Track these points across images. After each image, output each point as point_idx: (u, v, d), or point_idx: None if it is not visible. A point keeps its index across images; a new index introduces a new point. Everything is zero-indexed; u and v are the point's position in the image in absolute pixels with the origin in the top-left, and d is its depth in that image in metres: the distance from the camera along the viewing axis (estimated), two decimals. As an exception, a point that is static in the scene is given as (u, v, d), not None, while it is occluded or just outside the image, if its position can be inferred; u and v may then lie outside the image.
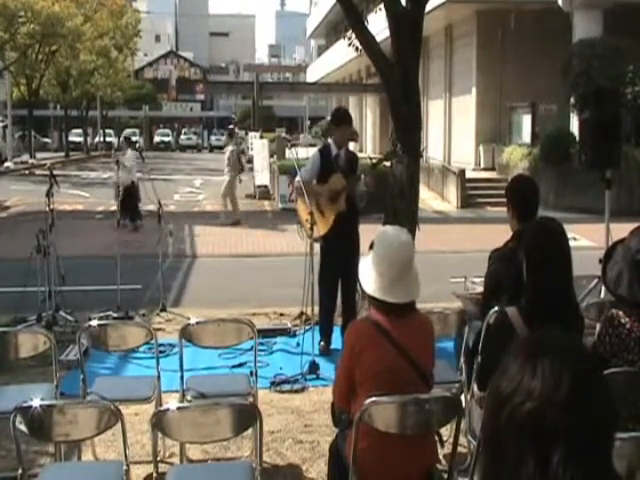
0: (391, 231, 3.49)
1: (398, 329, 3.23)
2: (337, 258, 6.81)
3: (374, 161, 7.24)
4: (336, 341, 6.93)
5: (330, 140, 7.20)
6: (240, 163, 17.59)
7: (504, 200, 4.59)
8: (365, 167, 7.11)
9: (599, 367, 1.44)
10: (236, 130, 20.89)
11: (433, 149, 27.84)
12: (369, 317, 3.33)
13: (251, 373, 4.81)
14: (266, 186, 22.51)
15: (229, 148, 17.73)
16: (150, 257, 10.10)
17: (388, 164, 7.51)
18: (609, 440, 1.30)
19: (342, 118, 7.16)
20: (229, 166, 17.04)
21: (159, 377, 4.63)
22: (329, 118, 7.93)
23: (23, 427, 3.25)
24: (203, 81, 69.93)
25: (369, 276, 3.31)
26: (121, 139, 22.34)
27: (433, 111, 30.66)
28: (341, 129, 7.02)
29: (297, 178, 6.96)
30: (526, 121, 23.18)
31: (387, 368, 3.19)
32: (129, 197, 14.87)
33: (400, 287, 3.25)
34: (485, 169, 24.92)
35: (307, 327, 7.15)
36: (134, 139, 52.74)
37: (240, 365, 6.20)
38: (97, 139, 54.18)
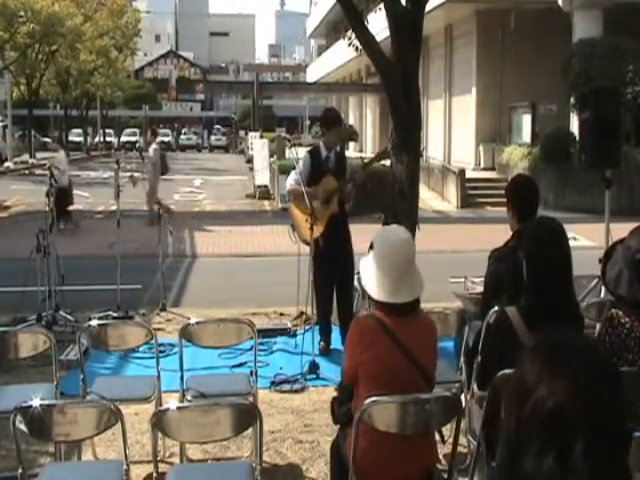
0: (390, 230, 3.49)
1: (402, 328, 3.22)
2: (330, 260, 6.81)
3: (365, 161, 7.25)
4: (336, 341, 6.93)
5: (320, 142, 7.22)
6: (164, 163, 16.60)
7: (504, 200, 4.59)
8: (356, 167, 7.13)
9: (614, 367, 1.50)
10: (159, 131, 19.07)
11: (433, 149, 27.85)
12: (373, 315, 3.32)
13: (251, 373, 4.81)
14: (266, 186, 22.53)
15: (152, 147, 17.00)
16: (150, 257, 10.10)
17: (384, 163, 7.50)
18: (626, 437, 1.37)
19: (333, 120, 7.19)
20: (152, 165, 16.11)
21: (159, 377, 4.62)
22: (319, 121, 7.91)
23: (23, 427, 3.25)
24: (203, 81, 69.99)
25: (372, 279, 3.29)
26: (48, 139, 21.26)
27: (433, 111, 30.67)
28: (333, 131, 7.05)
29: (290, 181, 6.98)
30: (526, 121, 23.18)
31: (390, 367, 3.19)
32: (61, 200, 14.52)
33: (404, 286, 3.24)
34: (485, 169, 24.93)
35: (307, 327, 7.15)
36: (133, 139, 52.41)
37: (240, 365, 6.19)
38: (97, 139, 54.18)
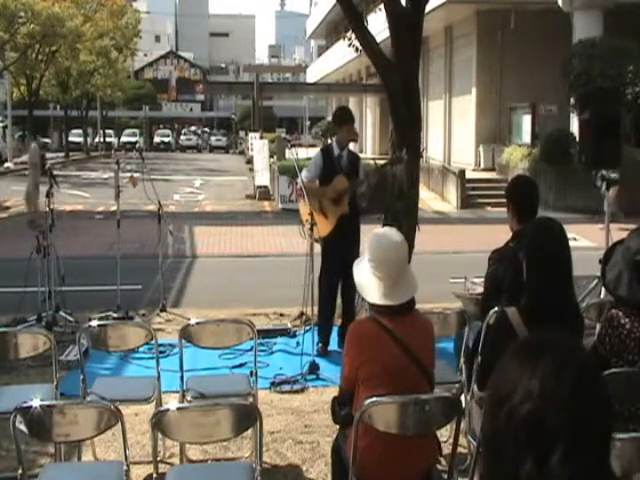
0: (383, 234, 3.48)
1: (401, 328, 3.23)
2: (338, 259, 6.78)
3: (379, 164, 7.23)
4: (334, 342, 6.92)
5: (333, 140, 7.19)
6: (42, 164, 15.67)
7: (504, 200, 4.59)
8: (370, 169, 7.10)
9: (598, 367, 1.45)
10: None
11: (433, 149, 27.83)
12: (372, 316, 3.33)
13: (251, 373, 4.81)
14: (266, 186, 22.51)
15: (32, 146, 16.34)
16: (150, 257, 10.10)
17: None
18: (607, 441, 1.31)
19: (345, 117, 7.13)
20: (31, 165, 15.64)
21: (159, 377, 4.62)
22: (329, 119, 7.88)
23: (23, 427, 3.25)
24: (203, 81, 69.93)
25: (369, 284, 3.29)
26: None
27: (433, 111, 30.65)
28: (345, 128, 7.00)
29: (302, 178, 6.94)
30: (526, 121, 23.17)
31: (391, 367, 3.19)
32: None
33: (399, 287, 3.26)
34: (485, 169, 24.91)
35: (307, 327, 7.14)
36: (133, 140, 52.40)
37: (240, 365, 6.19)
38: (97, 139, 54.16)
